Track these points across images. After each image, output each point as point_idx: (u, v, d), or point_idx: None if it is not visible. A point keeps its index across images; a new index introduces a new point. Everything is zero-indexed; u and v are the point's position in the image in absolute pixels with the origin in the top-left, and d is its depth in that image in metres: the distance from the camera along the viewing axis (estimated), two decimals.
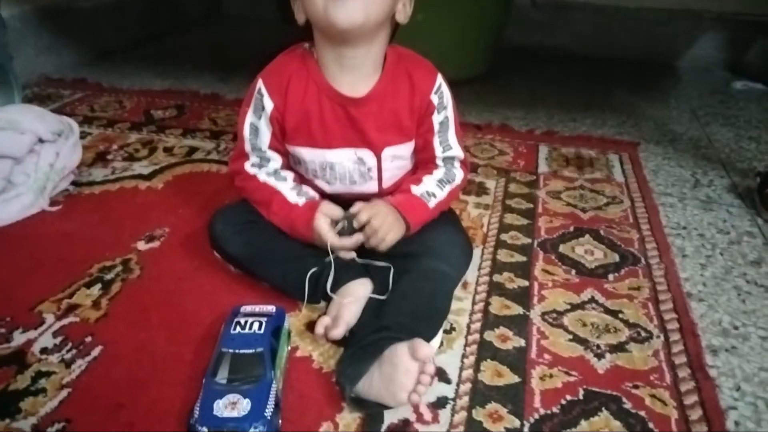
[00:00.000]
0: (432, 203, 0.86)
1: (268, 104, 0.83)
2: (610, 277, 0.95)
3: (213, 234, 0.88)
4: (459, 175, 0.90)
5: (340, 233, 0.82)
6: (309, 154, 0.86)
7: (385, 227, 0.80)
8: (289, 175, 0.89)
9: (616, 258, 0.99)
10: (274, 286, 0.85)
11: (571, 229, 1.08)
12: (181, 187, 1.18)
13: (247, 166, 0.88)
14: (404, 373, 0.64)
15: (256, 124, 0.85)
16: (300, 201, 0.85)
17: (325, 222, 0.82)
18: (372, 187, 0.89)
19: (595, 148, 1.43)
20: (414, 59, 0.86)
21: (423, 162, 0.90)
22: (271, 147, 0.87)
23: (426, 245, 0.82)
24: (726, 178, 1.33)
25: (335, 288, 0.81)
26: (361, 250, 0.84)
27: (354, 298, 0.79)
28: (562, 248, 1.02)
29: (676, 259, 1.01)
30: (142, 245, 0.98)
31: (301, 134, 0.84)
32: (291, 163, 0.91)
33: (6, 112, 1.13)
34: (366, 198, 0.86)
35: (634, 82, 2.01)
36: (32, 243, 0.99)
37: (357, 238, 0.81)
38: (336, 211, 0.84)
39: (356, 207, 0.82)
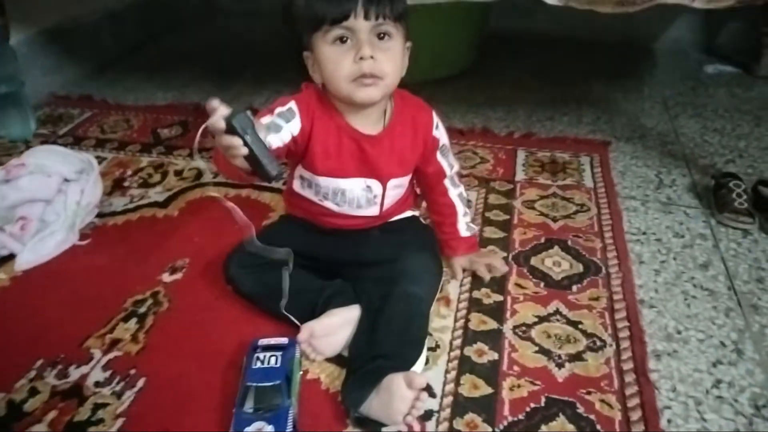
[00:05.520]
0: (473, 230, 1.13)
1: (296, 124, 0.89)
2: (574, 288, 1.09)
3: (228, 275, 1.03)
4: (461, 186, 1.12)
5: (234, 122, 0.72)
6: (324, 181, 0.97)
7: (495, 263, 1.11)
8: None
9: (580, 268, 1.14)
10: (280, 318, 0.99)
11: (542, 240, 1.22)
12: (194, 213, 1.32)
13: None
14: (400, 400, 0.80)
15: (279, 124, 0.88)
16: None
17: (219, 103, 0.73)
18: (374, 211, 1.02)
19: (569, 150, 1.55)
20: (413, 102, 1.00)
21: (434, 177, 1.07)
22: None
23: (404, 270, 0.96)
24: (687, 176, 1.46)
25: (326, 309, 0.95)
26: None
27: (341, 321, 0.94)
28: (533, 261, 1.16)
29: (634, 266, 1.15)
30: (166, 277, 1.13)
31: (321, 163, 0.95)
32: (300, 186, 1.02)
33: (33, 156, 1.26)
34: (366, 220, 1.02)
35: (612, 69, 2.11)
36: (71, 278, 1.14)
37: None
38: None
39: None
